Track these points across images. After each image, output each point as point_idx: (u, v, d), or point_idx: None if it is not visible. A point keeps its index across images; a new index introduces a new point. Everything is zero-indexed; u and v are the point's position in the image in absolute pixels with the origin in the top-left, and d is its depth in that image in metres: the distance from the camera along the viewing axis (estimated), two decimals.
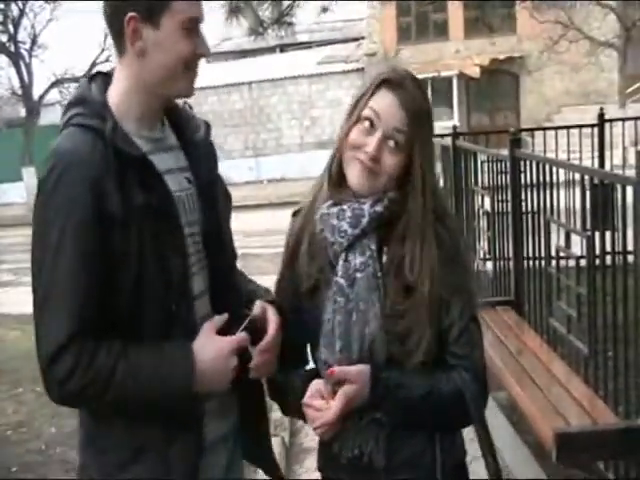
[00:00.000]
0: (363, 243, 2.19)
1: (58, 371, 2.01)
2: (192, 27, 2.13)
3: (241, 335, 2.16)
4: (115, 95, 2.17)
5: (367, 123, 2.17)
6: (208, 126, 2.38)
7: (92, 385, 2.01)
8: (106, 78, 2.22)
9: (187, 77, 2.18)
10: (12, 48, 27.94)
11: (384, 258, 2.19)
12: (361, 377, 2.12)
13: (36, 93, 28.68)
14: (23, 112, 29.21)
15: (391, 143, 2.16)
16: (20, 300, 11.58)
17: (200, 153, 2.31)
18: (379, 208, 2.19)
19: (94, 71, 2.29)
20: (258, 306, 2.26)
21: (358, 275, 2.17)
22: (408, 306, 2.14)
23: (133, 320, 2.08)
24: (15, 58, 27.99)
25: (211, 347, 2.12)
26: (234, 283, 2.38)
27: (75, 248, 2.01)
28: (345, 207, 2.21)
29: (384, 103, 2.17)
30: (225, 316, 2.20)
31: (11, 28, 27.67)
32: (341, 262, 2.19)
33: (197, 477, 2.17)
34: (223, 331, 2.17)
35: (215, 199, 2.31)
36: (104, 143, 2.06)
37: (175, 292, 2.12)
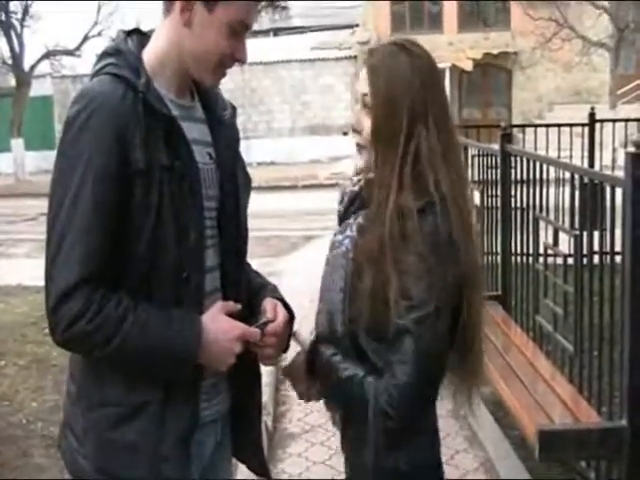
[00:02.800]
0: (347, 222, 2.23)
1: (66, 312, 1.98)
2: (239, 30, 2.11)
3: (254, 330, 2.17)
4: (151, 53, 2.15)
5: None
6: (234, 108, 2.38)
7: (99, 331, 1.99)
8: (142, 37, 2.20)
9: (216, 71, 2.17)
10: (3, 17, 27.70)
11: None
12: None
13: (27, 64, 28.48)
14: (13, 82, 29.00)
15: (364, 109, 2.16)
16: (5, 272, 11.64)
17: (224, 132, 2.29)
18: (355, 187, 2.24)
19: (132, 28, 2.25)
20: (268, 302, 2.28)
21: (334, 251, 2.22)
22: (360, 292, 2.10)
23: (143, 279, 2.06)
24: (6, 28, 27.76)
25: (220, 324, 2.12)
26: (244, 267, 2.38)
27: (93, 194, 1.98)
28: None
29: (360, 76, 2.20)
30: (238, 306, 2.21)
31: None
32: (332, 237, 2.27)
33: (188, 447, 2.16)
34: (232, 317, 2.17)
35: (235, 179, 2.29)
36: (135, 96, 2.03)
37: (188, 259, 2.10)
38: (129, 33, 2.21)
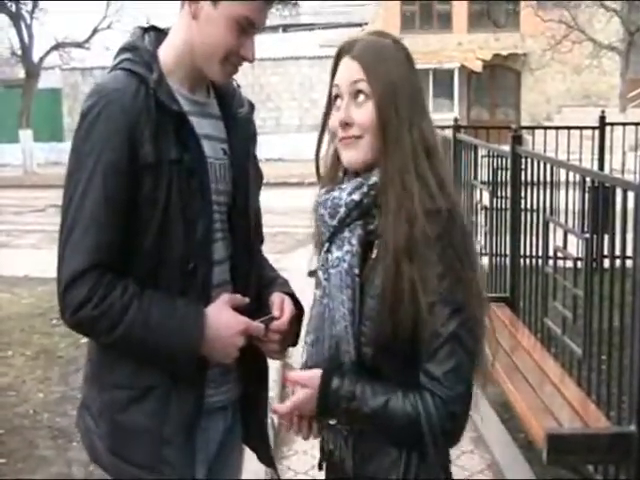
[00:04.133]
0: (343, 236, 2.01)
1: (73, 297, 2.06)
2: (245, 27, 2.13)
3: (258, 325, 2.17)
4: (166, 49, 2.21)
5: (337, 100, 2.04)
6: (252, 105, 2.42)
7: (104, 317, 2.05)
8: (159, 34, 2.26)
9: (223, 67, 2.18)
10: (13, 8, 27.70)
11: (374, 253, 1.98)
12: (312, 382, 1.98)
13: (36, 56, 28.48)
14: (22, 73, 29.01)
15: (357, 98, 1.99)
16: (12, 262, 11.65)
17: (240, 129, 2.33)
18: (356, 196, 1.99)
19: (148, 24, 2.31)
20: (276, 297, 2.28)
21: (332, 271, 2.01)
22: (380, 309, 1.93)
23: (151, 270, 2.12)
24: (16, 19, 27.77)
25: (224, 318, 2.14)
26: (255, 261, 2.40)
27: (103, 187, 2.05)
28: (329, 195, 2.06)
29: (340, 69, 2.04)
30: (246, 300, 2.22)
31: None
32: (322, 253, 2.08)
33: (192, 433, 2.19)
34: (239, 311, 2.18)
35: (247, 176, 2.33)
36: (147, 92, 2.09)
37: (195, 251, 2.14)
38: (146, 30, 2.27)
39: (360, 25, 32.18)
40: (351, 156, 2.01)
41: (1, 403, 6.12)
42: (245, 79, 29.84)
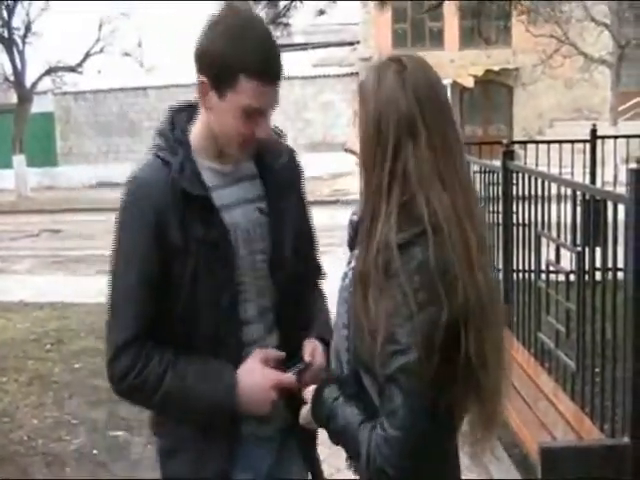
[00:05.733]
0: (354, 253, 2.07)
1: (115, 370, 2.29)
2: (252, 113, 2.23)
3: (289, 376, 2.30)
4: (195, 128, 2.37)
5: None
6: (292, 153, 2.54)
7: (142, 387, 2.28)
8: (193, 110, 2.40)
9: (242, 147, 2.32)
10: (5, 34, 27.76)
11: None
12: (309, 396, 2.13)
13: (29, 81, 28.51)
14: (15, 99, 29.03)
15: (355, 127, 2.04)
16: (7, 288, 11.64)
17: (277, 180, 2.43)
18: (354, 217, 2.13)
19: (182, 103, 2.47)
20: (308, 344, 2.40)
21: (340, 284, 2.09)
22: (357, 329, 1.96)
23: (185, 336, 2.31)
24: (8, 44, 27.80)
25: (255, 375, 2.29)
26: (303, 303, 2.51)
27: (139, 267, 2.27)
28: (352, 212, 2.18)
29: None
30: (281, 354, 2.36)
31: (5, 14, 27.49)
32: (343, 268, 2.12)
33: (230, 474, 2.36)
34: (274, 363, 2.34)
35: (284, 226, 2.43)
36: (172, 178, 2.27)
37: (223, 316, 2.31)
38: (180, 110, 2.44)
39: (352, 44, 32.33)
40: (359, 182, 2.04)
41: None
42: None
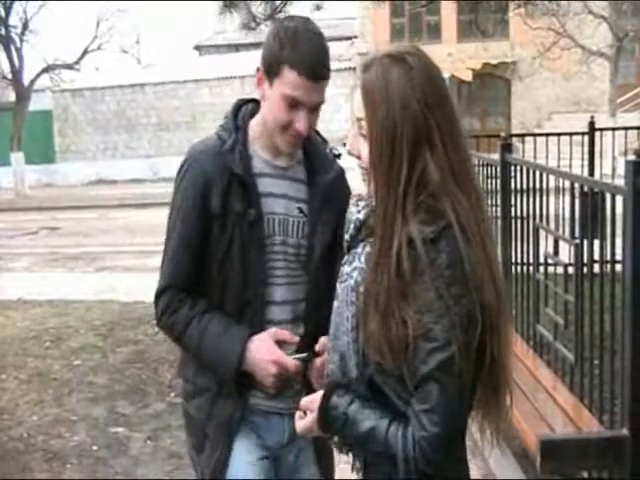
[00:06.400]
0: (355, 252, 2.03)
1: (157, 308, 2.68)
2: (292, 104, 2.49)
3: (289, 360, 2.52)
4: (255, 119, 2.67)
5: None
6: (341, 171, 2.76)
7: (173, 328, 2.65)
8: (257, 105, 2.68)
9: (284, 138, 2.56)
10: (3, 32, 27.74)
11: None
12: (313, 405, 2.04)
13: (27, 78, 28.50)
14: (13, 97, 29.01)
15: (361, 132, 1.98)
16: (5, 286, 11.64)
17: (321, 192, 2.68)
18: (361, 215, 2.03)
19: (250, 98, 2.77)
20: (322, 341, 2.47)
21: (342, 285, 2.03)
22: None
23: (218, 296, 2.61)
24: (6, 42, 27.79)
25: (264, 346, 2.53)
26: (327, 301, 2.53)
27: (181, 229, 2.62)
28: (349, 209, 2.11)
29: (356, 94, 1.99)
30: (295, 339, 2.59)
31: (2, 11, 27.47)
32: (340, 267, 2.08)
33: (232, 434, 2.63)
34: (301, 342, 2.59)
35: (320, 232, 2.66)
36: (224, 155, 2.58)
37: (249, 291, 2.59)
38: (246, 102, 2.74)
39: (350, 38, 32.31)
40: (364, 186, 2.02)
41: None
42: (235, 96, 29.93)
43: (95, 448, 5.65)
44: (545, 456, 3.56)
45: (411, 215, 1.86)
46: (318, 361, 2.49)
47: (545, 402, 4.13)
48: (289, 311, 2.67)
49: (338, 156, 2.77)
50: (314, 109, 2.54)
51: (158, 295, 2.68)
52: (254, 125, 2.66)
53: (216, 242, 2.58)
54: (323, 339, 2.42)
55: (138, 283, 10.48)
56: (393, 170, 1.89)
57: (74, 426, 6.06)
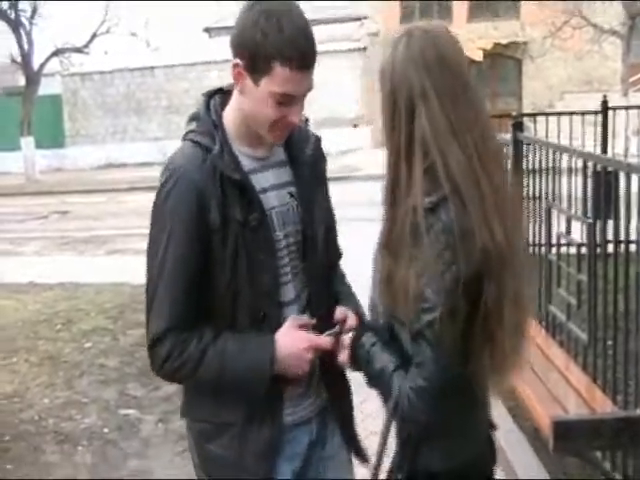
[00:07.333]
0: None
1: (156, 356, 2.36)
2: (286, 100, 2.28)
3: (324, 338, 2.37)
4: (228, 113, 2.42)
5: None
6: (318, 140, 2.60)
7: (181, 369, 2.34)
8: (225, 95, 2.45)
9: (273, 132, 2.35)
10: (12, 16, 27.69)
11: None
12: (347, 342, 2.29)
13: (36, 63, 28.46)
14: (22, 81, 28.99)
15: None
16: (16, 269, 11.67)
17: (305, 169, 2.51)
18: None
19: (215, 88, 2.50)
20: (339, 312, 2.45)
21: (377, 240, 2.19)
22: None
23: (227, 317, 2.37)
24: (15, 26, 27.74)
25: (292, 337, 2.35)
26: (329, 284, 2.61)
27: (178, 253, 2.31)
28: None
29: None
30: (312, 321, 2.43)
31: None
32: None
33: (270, 460, 2.43)
34: (313, 328, 2.41)
35: (313, 210, 2.51)
36: (211, 162, 2.31)
37: (264, 300, 2.39)
38: (212, 94, 2.47)
39: (360, 19, 32.15)
40: None
41: (6, 410, 6.11)
42: None
43: (106, 430, 5.65)
44: (558, 437, 3.53)
45: (418, 181, 1.99)
46: (349, 333, 2.37)
47: (558, 383, 4.10)
48: (298, 306, 2.49)
49: (306, 121, 2.60)
50: (304, 96, 2.35)
51: (155, 341, 2.34)
52: (229, 120, 2.40)
53: (219, 259, 2.32)
54: (339, 314, 2.43)
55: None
56: (395, 130, 2.04)
57: (85, 408, 6.07)
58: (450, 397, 2.03)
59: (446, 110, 2.00)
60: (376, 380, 2.17)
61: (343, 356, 2.30)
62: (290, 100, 2.29)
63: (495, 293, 1.97)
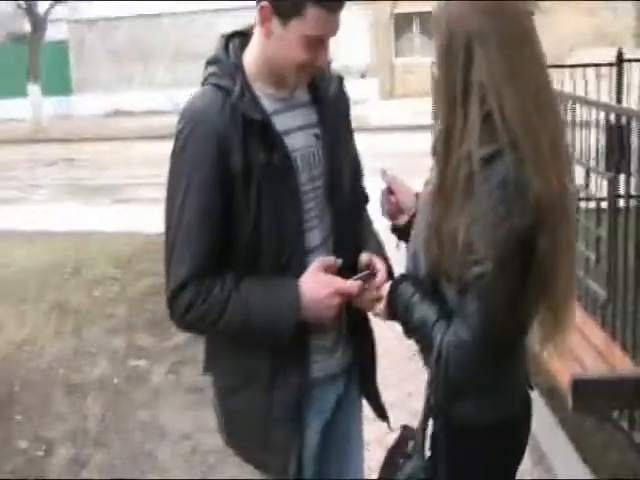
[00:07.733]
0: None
1: (178, 306, 2.27)
2: (314, 43, 2.20)
3: (352, 283, 2.28)
4: (249, 56, 2.33)
5: None
6: (341, 80, 2.52)
7: (206, 317, 2.26)
8: (244, 38, 2.36)
9: (299, 76, 2.29)
10: None
11: None
12: (384, 291, 2.25)
13: (42, 9, 28.15)
14: (28, 27, 28.71)
15: None
16: (25, 217, 11.63)
17: (330, 109, 2.43)
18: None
19: (233, 30, 2.42)
20: (365, 256, 2.39)
21: (424, 188, 2.18)
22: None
23: (251, 263, 2.29)
24: None
25: (318, 280, 2.28)
26: (356, 228, 2.54)
27: (198, 201, 2.23)
28: None
29: None
30: (339, 262, 2.35)
31: None
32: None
33: (299, 412, 2.37)
34: (339, 274, 2.32)
35: (338, 152, 2.43)
36: (232, 104, 2.23)
37: (288, 245, 2.31)
38: (231, 36, 2.39)
39: None
40: None
41: (15, 359, 6.10)
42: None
43: (115, 381, 5.63)
44: (577, 395, 3.49)
45: (475, 129, 1.91)
46: (379, 275, 2.33)
47: (576, 340, 4.03)
48: (325, 251, 2.41)
49: (330, 62, 2.46)
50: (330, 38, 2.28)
51: (177, 291, 2.26)
52: (250, 62, 2.32)
53: (243, 204, 2.24)
54: (365, 259, 2.37)
55: (157, 215, 10.43)
56: (450, 78, 1.96)
57: (94, 358, 6.04)
58: (493, 353, 1.99)
59: (506, 55, 1.92)
60: (416, 330, 2.13)
61: (379, 305, 2.26)
62: (319, 42, 2.21)
63: (549, 245, 1.91)
